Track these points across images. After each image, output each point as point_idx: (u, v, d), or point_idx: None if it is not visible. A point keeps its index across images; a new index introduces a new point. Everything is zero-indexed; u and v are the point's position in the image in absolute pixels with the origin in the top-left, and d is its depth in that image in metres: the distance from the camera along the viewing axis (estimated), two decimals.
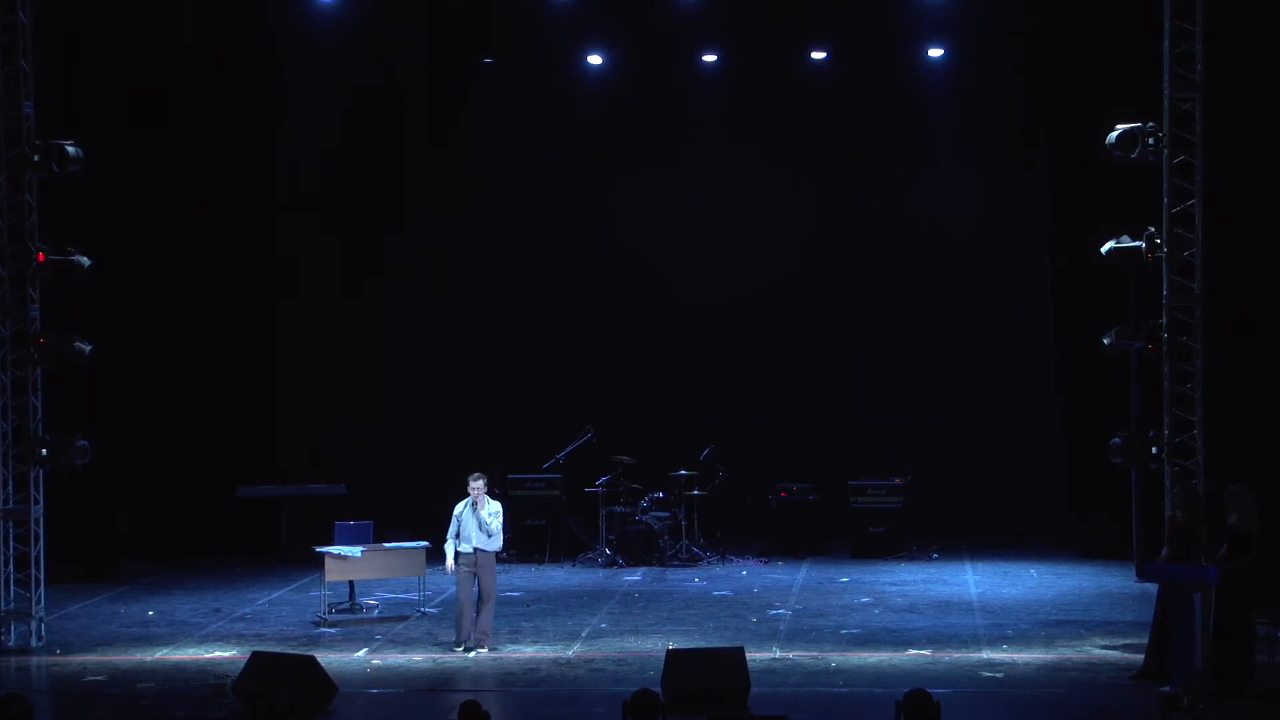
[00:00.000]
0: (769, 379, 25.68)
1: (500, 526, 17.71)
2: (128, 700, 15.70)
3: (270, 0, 23.75)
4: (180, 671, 16.81)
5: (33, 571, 18.29)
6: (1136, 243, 18.44)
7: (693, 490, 23.44)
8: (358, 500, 22.94)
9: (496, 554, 17.78)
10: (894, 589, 21.08)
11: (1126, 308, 20.01)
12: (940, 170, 25.16)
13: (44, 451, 18.28)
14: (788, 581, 21.78)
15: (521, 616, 19.44)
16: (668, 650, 15.78)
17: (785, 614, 19.47)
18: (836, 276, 25.51)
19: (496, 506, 17.73)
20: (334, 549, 19.23)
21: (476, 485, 17.55)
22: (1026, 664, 16.63)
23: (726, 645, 16.46)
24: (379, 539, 19.83)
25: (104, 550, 22.61)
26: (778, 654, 17.19)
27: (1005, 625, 18.55)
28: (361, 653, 17.59)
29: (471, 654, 17.30)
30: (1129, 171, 18.70)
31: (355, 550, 19.30)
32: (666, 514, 23.41)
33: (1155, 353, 18.46)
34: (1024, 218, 24.99)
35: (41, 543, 18.41)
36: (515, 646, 17.81)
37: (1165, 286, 18.29)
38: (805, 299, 25.63)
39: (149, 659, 17.46)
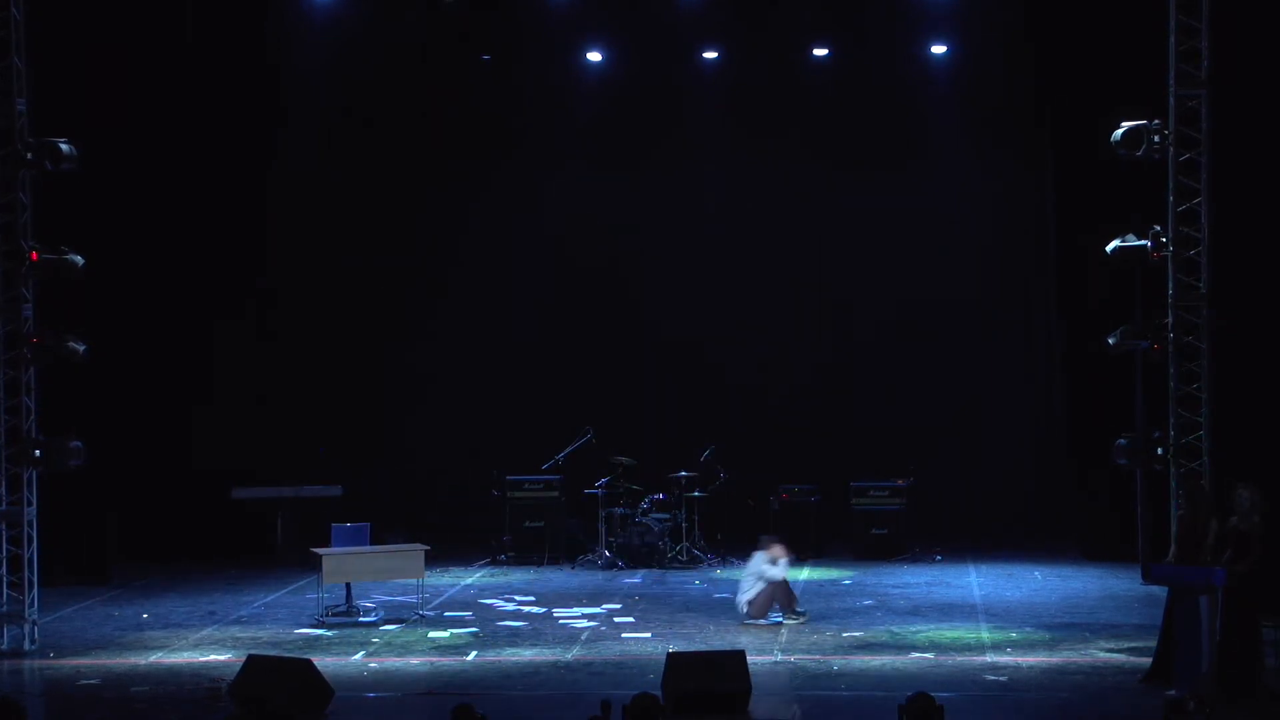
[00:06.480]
0: (770, 378, 25.55)
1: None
2: (122, 704, 15.57)
3: None
4: (175, 675, 16.66)
5: (25, 574, 18.14)
6: (1142, 241, 18.30)
7: (693, 492, 23.30)
8: (355, 501, 22.81)
9: None
10: (897, 591, 20.94)
11: (1131, 307, 19.89)
12: (943, 168, 25.02)
13: (37, 453, 18.13)
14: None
15: (521, 618, 19.32)
16: (668, 653, 15.60)
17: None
18: (838, 275, 25.41)
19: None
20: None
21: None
22: (1031, 667, 16.48)
23: (727, 648, 16.31)
24: (376, 540, 19.70)
25: (98, 552, 22.46)
26: (779, 657, 17.05)
27: (1009, 628, 18.41)
28: (358, 656, 17.45)
29: None
30: (1134, 169, 18.56)
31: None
32: (667, 516, 23.26)
33: (1160, 352, 18.34)
34: (1028, 216, 24.85)
35: (35, 545, 18.27)
36: (514, 649, 17.68)
37: (1171, 285, 18.15)
38: (806, 297, 25.52)
39: (143, 662, 17.30)
